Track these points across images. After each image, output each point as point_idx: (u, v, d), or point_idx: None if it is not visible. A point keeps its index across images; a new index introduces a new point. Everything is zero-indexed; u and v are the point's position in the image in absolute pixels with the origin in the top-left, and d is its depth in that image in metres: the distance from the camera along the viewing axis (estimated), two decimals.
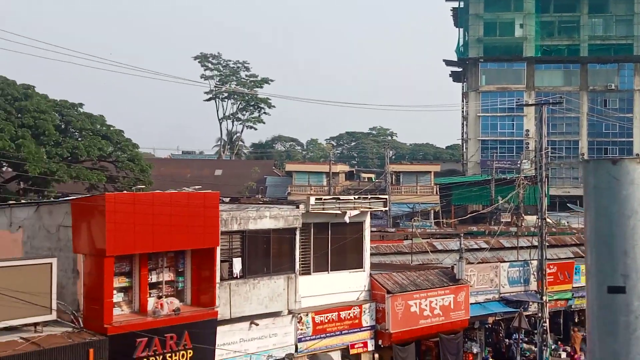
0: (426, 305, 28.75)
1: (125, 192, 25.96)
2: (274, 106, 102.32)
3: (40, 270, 19.00)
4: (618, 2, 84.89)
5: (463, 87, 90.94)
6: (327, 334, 25.98)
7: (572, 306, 38.51)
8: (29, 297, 18.19)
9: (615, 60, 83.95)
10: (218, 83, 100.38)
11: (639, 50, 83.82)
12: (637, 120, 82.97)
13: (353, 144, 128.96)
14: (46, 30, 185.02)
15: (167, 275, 22.15)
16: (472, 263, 34.73)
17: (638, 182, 3.01)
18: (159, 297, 21.58)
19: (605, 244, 3.05)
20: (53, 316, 19.08)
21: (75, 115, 43.77)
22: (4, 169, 41.44)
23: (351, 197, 30.22)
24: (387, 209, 31.94)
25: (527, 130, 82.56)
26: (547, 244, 35.60)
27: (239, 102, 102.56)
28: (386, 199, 29.97)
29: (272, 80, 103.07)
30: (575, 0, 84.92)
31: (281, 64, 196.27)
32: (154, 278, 21.75)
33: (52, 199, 31.84)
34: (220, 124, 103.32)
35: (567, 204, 72.13)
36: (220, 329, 22.40)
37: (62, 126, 43.39)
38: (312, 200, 26.25)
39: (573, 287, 37.92)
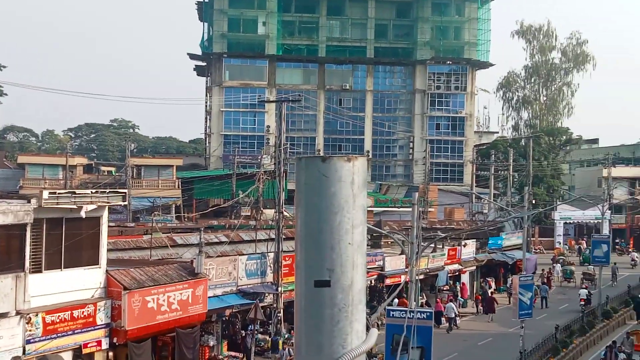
0: (164, 301, 28.44)
1: None
2: (6, 94, 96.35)
3: None
4: (354, 6, 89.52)
5: (207, 81, 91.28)
6: (59, 334, 24.83)
7: None
8: None
9: (350, 61, 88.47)
10: None
11: (371, 52, 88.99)
12: (368, 119, 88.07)
13: (93, 136, 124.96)
14: None
15: None
16: (212, 257, 34.91)
17: (345, 179, 3.08)
18: None
19: (314, 239, 3.09)
20: None
21: None
22: None
23: (88, 191, 29.16)
24: (126, 203, 31.28)
25: (268, 126, 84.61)
26: (283, 236, 36.70)
27: None
28: (125, 193, 29.34)
29: (4, 67, 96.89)
30: (315, 1, 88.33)
31: (16, 50, 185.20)
32: None
33: None
34: None
35: None
36: None
37: None
38: (45, 194, 24.97)
39: None
